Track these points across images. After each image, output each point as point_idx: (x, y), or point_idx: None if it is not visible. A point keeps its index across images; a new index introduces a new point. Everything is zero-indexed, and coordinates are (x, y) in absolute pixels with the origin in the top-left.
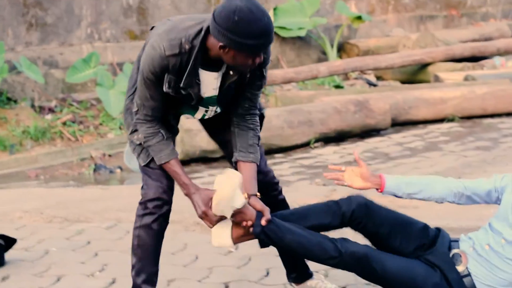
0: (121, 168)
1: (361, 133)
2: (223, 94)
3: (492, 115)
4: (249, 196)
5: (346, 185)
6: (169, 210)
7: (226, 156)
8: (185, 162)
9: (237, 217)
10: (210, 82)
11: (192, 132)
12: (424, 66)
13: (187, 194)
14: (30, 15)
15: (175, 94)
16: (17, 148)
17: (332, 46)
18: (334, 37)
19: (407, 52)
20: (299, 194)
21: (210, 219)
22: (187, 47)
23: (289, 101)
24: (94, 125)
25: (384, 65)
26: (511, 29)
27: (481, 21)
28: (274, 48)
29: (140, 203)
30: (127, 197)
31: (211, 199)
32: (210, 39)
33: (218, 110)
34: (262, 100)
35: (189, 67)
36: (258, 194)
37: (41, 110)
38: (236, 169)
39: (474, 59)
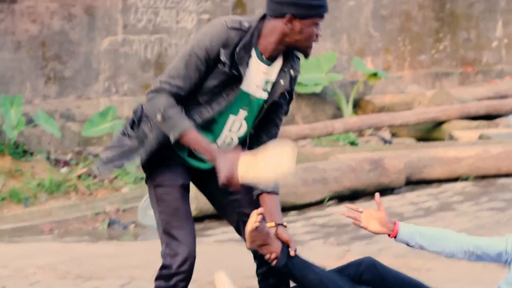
0: (135, 224)
1: (375, 191)
2: (266, 108)
3: (506, 175)
4: (276, 226)
5: (361, 226)
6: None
7: (229, 222)
8: (198, 219)
9: (264, 249)
10: (255, 74)
11: None
12: (439, 123)
13: (211, 159)
14: (48, 68)
15: (222, 79)
16: (31, 201)
17: (347, 102)
18: (349, 93)
19: (422, 109)
20: (312, 254)
21: (236, 184)
22: (246, 25)
23: (304, 158)
24: (109, 179)
25: (399, 122)
26: None
27: (497, 78)
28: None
29: (165, 273)
30: (141, 254)
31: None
32: (267, 24)
33: (244, 128)
34: None
35: (245, 41)
36: (285, 223)
37: (57, 163)
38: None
39: (489, 117)
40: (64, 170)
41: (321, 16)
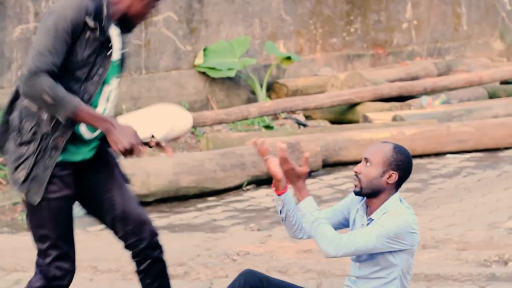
0: None
1: None
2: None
3: (421, 156)
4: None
5: (264, 159)
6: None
7: (101, 220)
8: None
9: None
10: (115, 39)
11: None
12: (353, 105)
13: (109, 129)
14: None
15: (93, 47)
16: None
17: (261, 86)
18: (263, 77)
19: (336, 92)
20: (234, 240)
21: (139, 150)
22: None
23: (221, 143)
24: None
25: (313, 105)
26: (437, 67)
27: (407, 60)
28: (204, 89)
29: (53, 277)
30: None
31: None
32: None
33: (117, 96)
34: (192, 140)
35: (105, 7)
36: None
37: None
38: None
39: (402, 98)
40: None
41: None
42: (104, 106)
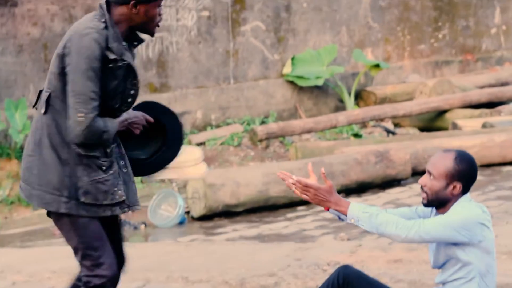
0: (145, 224)
1: (382, 183)
2: None
3: (511, 163)
4: None
5: (293, 190)
6: None
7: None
8: (208, 217)
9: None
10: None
11: (215, 187)
12: (441, 112)
13: (125, 125)
14: None
15: (120, 75)
16: None
17: (349, 94)
18: (351, 85)
19: (425, 99)
20: (324, 250)
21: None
22: (103, 19)
23: (309, 152)
24: None
25: (402, 113)
26: None
27: (497, 65)
28: (292, 97)
29: (94, 286)
30: (154, 255)
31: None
32: (114, 11)
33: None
34: (281, 150)
35: (113, 34)
36: None
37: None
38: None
39: (491, 104)
40: None
41: None
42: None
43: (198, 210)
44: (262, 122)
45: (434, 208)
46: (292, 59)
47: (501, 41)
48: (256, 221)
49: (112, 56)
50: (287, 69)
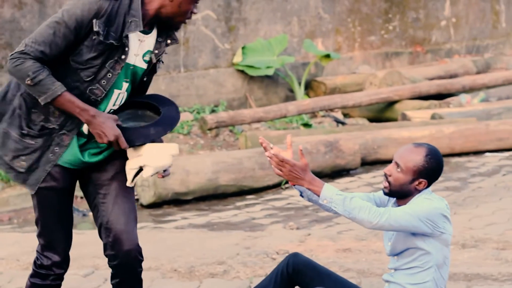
0: None
1: (331, 173)
2: (149, 72)
3: (459, 154)
4: None
5: (268, 155)
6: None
7: (95, 220)
8: (157, 205)
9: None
10: (134, 44)
11: None
12: (391, 103)
13: (89, 120)
14: (0, 56)
15: (99, 51)
16: None
17: (299, 84)
18: (301, 75)
19: (374, 90)
20: (273, 239)
21: (123, 142)
22: None
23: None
24: None
25: (352, 103)
26: (476, 65)
27: (446, 58)
28: (242, 87)
29: (41, 265)
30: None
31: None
32: None
33: (124, 99)
34: (231, 138)
35: (121, 7)
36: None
37: None
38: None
39: (441, 96)
40: None
41: None
42: (110, 109)
43: (147, 197)
44: (212, 111)
45: (392, 198)
46: (243, 48)
47: (450, 34)
48: (206, 209)
49: (96, 28)
50: (237, 59)
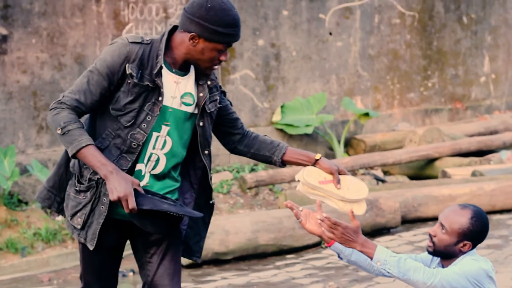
0: (133, 271)
1: (371, 232)
2: (204, 129)
3: (501, 211)
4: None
5: (299, 221)
6: None
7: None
8: (197, 265)
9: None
10: (168, 85)
11: None
12: (431, 160)
13: (107, 175)
14: (40, 118)
15: (136, 93)
16: (28, 251)
17: (339, 142)
18: (340, 132)
19: (414, 147)
20: None
21: (132, 202)
22: (147, 38)
23: (299, 200)
24: None
25: (391, 161)
26: None
27: (486, 114)
28: None
29: None
30: None
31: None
32: (176, 36)
33: (169, 144)
34: (270, 197)
35: (149, 52)
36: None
37: (52, 212)
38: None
39: (481, 153)
40: (59, 218)
41: (226, 43)
42: (150, 152)
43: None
44: (252, 170)
45: (436, 258)
46: (282, 107)
47: (490, 90)
48: (245, 269)
49: (129, 71)
50: (276, 117)
